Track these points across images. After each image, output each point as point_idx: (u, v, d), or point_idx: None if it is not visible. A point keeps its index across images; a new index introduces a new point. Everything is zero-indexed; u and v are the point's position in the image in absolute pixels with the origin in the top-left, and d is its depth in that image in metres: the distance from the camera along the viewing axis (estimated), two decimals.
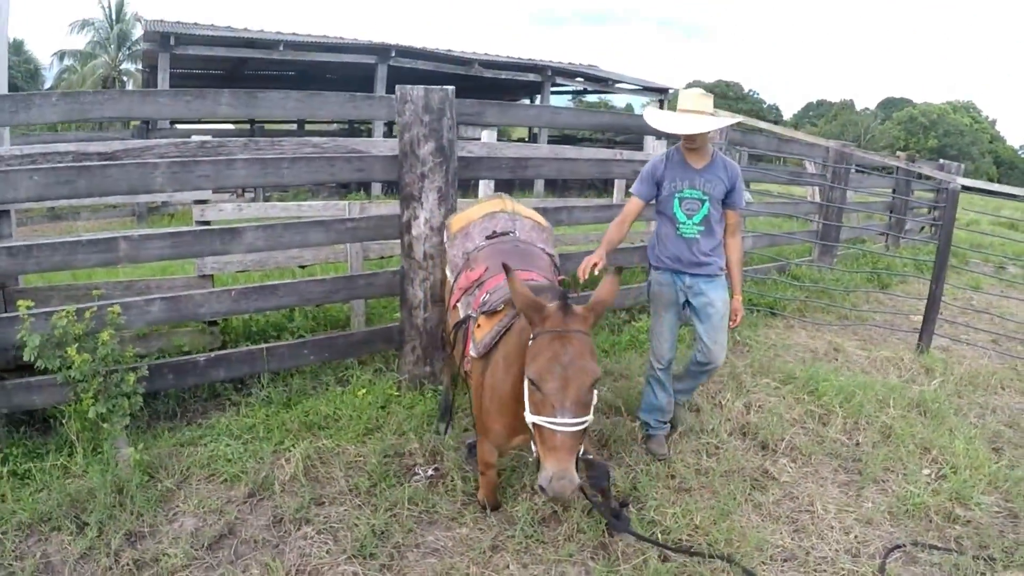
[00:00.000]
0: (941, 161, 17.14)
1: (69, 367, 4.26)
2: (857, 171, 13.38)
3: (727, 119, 4.74)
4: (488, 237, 4.67)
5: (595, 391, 3.02)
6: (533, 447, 3.16)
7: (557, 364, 2.96)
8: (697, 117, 4.62)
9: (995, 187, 9.85)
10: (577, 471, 2.98)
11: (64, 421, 4.57)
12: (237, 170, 4.99)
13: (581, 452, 2.96)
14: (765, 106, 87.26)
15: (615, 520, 3.93)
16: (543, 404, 2.97)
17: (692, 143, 4.74)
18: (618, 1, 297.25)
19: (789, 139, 10.67)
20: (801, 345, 7.74)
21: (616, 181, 10.32)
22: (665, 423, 5.23)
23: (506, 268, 3.23)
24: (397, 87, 5.28)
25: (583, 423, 2.94)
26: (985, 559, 4.11)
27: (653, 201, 4.99)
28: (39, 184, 4.41)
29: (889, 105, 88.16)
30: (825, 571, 3.93)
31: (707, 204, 4.77)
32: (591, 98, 56.58)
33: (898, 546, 4.18)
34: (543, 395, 2.97)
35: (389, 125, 22.07)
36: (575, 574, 3.79)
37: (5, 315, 4.66)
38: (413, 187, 5.31)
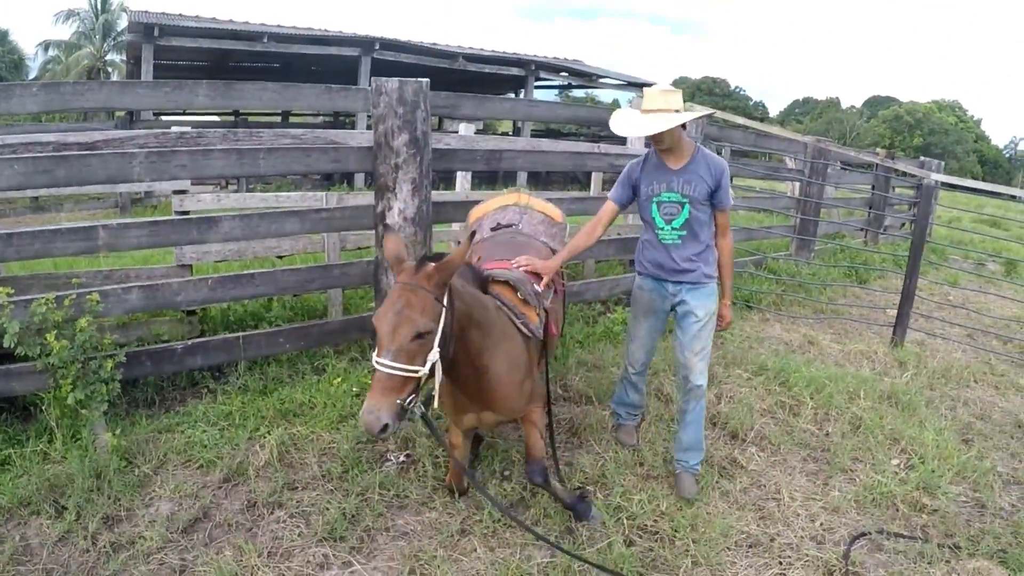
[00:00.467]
0: (922, 158, 17.26)
1: (48, 354, 4.31)
2: (842, 168, 13.50)
3: (685, 115, 4.21)
4: (493, 229, 4.89)
5: (425, 344, 3.09)
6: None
7: (390, 311, 3.08)
8: (655, 116, 4.22)
9: (970, 183, 10.01)
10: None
11: (44, 408, 4.62)
12: (214, 160, 5.04)
13: (409, 403, 3.05)
14: (751, 103, 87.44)
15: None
16: (376, 345, 3.10)
17: (660, 143, 4.37)
18: None
19: (766, 135, 10.76)
20: (775, 338, 7.83)
21: (594, 175, 10.37)
22: (635, 415, 5.23)
23: (438, 256, 3.33)
24: (372, 79, 5.35)
25: (401, 369, 3.01)
26: (950, 547, 4.20)
27: (630, 205, 4.76)
28: (19, 173, 4.45)
29: (875, 103, 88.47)
30: (790, 557, 4.02)
31: (687, 207, 4.42)
32: (577, 93, 56.65)
33: (863, 534, 4.27)
34: (377, 337, 3.11)
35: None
36: (541, 558, 3.86)
37: None
38: (387, 178, 5.36)
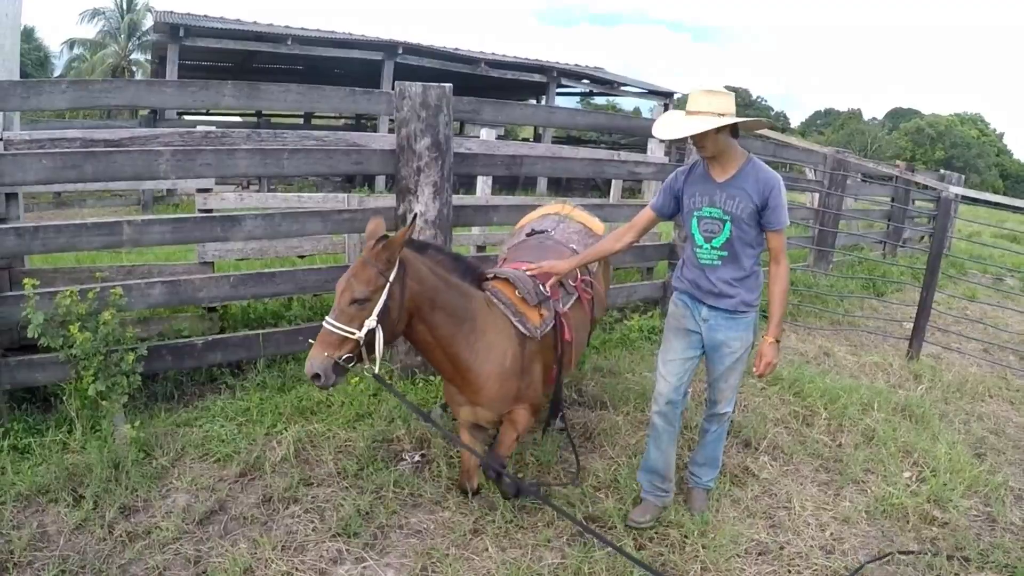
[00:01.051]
0: (942, 172, 17.21)
1: (71, 345, 4.39)
2: (862, 180, 13.47)
3: (727, 119, 3.69)
4: (528, 235, 5.07)
5: (362, 311, 3.43)
6: None
7: (343, 278, 3.50)
8: (695, 119, 3.76)
9: (991, 197, 9.97)
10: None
11: (64, 399, 4.70)
12: (238, 159, 5.11)
13: (345, 360, 3.40)
14: (772, 113, 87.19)
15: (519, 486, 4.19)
16: None
17: (704, 150, 3.87)
18: (628, 3, 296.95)
19: (786, 145, 10.75)
20: (791, 348, 7.83)
21: (613, 182, 10.41)
22: (661, 493, 4.39)
23: (421, 243, 3.75)
24: (396, 83, 5.40)
25: (338, 328, 3.38)
26: (960, 560, 4.18)
27: (675, 216, 4.37)
28: (48, 168, 4.54)
29: (897, 115, 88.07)
30: (799, 566, 4.02)
31: (728, 225, 3.92)
32: (599, 100, 56.64)
33: (879, 558, 4.19)
34: None
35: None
36: (552, 559, 3.89)
37: (11, 294, 4.79)
38: (409, 180, 5.42)
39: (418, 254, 3.76)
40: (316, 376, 3.38)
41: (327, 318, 3.43)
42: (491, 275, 4.20)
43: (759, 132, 9.44)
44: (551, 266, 4.30)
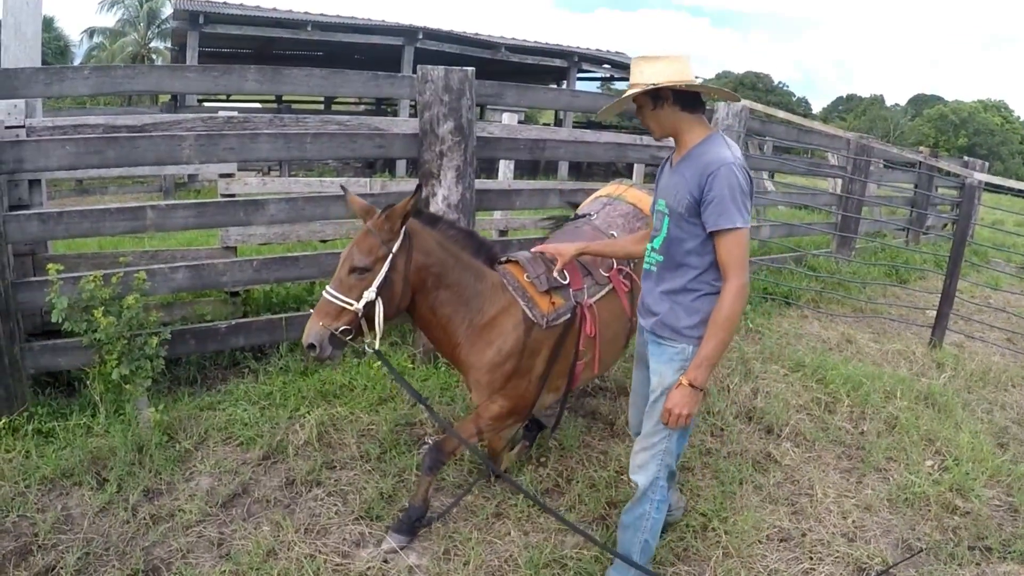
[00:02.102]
0: (966, 158, 17.05)
1: (95, 330, 4.41)
2: (885, 166, 13.37)
3: (631, 92, 3.12)
4: (571, 219, 4.82)
5: (362, 281, 3.35)
6: None
7: (346, 248, 3.44)
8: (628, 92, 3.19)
9: (1015, 184, 9.85)
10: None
11: (88, 383, 4.74)
12: (261, 144, 5.12)
13: (340, 329, 3.31)
14: (794, 99, 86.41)
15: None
16: None
17: (652, 133, 3.27)
18: None
19: (809, 130, 10.68)
20: (813, 335, 7.79)
21: (636, 166, 10.38)
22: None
23: (432, 216, 3.67)
24: (418, 67, 5.40)
25: (336, 298, 3.31)
26: (981, 550, 4.16)
27: None
28: (70, 154, 4.56)
29: (919, 102, 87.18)
30: (820, 553, 4.01)
31: (667, 221, 3.18)
32: (620, 85, 56.38)
33: (908, 557, 4.09)
34: None
35: (415, 106, 22.22)
36: (573, 543, 3.89)
37: (34, 279, 4.83)
38: (432, 165, 5.42)
39: (428, 227, 3.65)
40: (311, 346, 3.31)
41: (327, 287, 3.36)
42: (504, 258, 3.99)
43: (783, 117, 9.38)
44: (556, 249, 3.88)
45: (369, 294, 3.33)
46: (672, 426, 3.09)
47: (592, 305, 3.99)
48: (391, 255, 3.39)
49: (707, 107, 4.95)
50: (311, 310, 3.41)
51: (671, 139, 3.23)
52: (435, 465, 3.85)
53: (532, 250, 4.06)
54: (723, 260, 3.01)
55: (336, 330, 3.30)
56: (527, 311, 3.75)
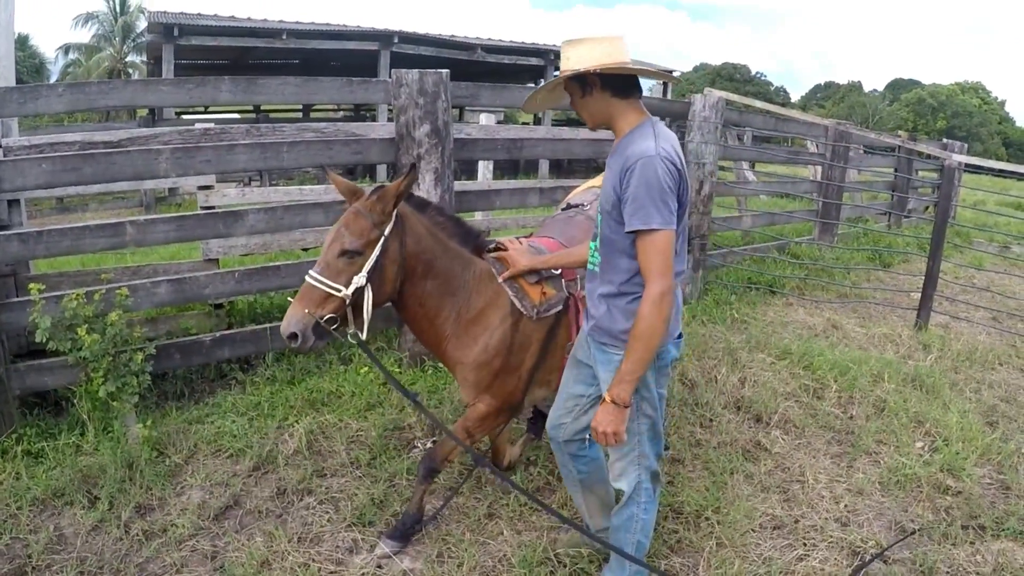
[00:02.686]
0: (945, 141, 17.14)
1: (79, 348, 4.38)
2: (865, 151, 13.44)
3: (551, 81, 3.04)
4: (563, 209, 4.56)
5: (351, 265, 3.18)
6: None
7: (332, 229, 3.25)
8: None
9: (994, 164, 9.89)
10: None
11: (75, 401, 4.72)
12: (238, 155, 5.10)
13: (327, 321, 3.13)
14: (773, 88, 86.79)
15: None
16: None
17: (586, 122, 3.10)
18: None
19: (787, 119, 10.72)
20: (799, 322, 7.82)
21: None
22: (586, 526, 3.71)
23: (421, 201, 3.51)
24: (393, 71, 5.39)
25: (322, 283, 3.11)
26: (975, 528, 4.19)
27: None
28: (47, 172, 4.54)
29: (897, 86, 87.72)
30: (814, 539, 4.02)
31: (600, 219, 3.04)
32: None
33: (902, 538, 4.08)
34: None
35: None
36: (567, 541, 3.88)
37: (16, 300, 4.80)
38: None
39: (417, 212, 3.50)
40: (293, 336, 3.08)
41: (310, 271, 3.14)
42: (493, 245, 3.79)
43: (760, 107, 9.40)
44: (512, 258, 3.67)
45: (359, 279, 3.16)
46: (602, 444, 2.92)
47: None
48: (383, 238, 3.23)
49: (684, 99, 4.85)
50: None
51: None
52: (429, 473, 3.77)
53: (494, 249, 3.80)
54: (641, 264, 2.81)
55: (321, 318, 3.10)
56: (516, 302, 3.62)
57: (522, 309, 3.62)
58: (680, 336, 3.17)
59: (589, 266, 3.16)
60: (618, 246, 2.91)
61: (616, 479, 3.20)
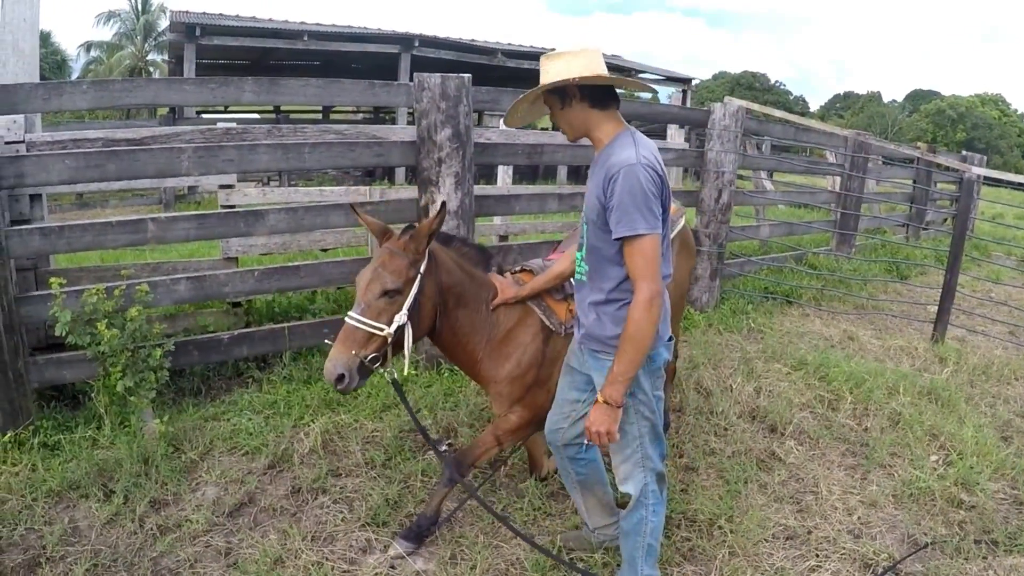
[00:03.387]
0: (964, 153, 17.08)
1: (98, 342, 4.42)
2: (883, 162, 13.39)
3: (529, 93, 3.09)
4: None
5: (392, 304, 3.26)
6: None
7: (368, 269, 3.33)
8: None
9: (1013, 177, 9.85)
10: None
11: (93, 395, 4.76)
12: (260, 155, 5.14)
13: (371, 360, 3.21)
14: (792, 97, 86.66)
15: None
16: None
17: (565, 134, 3.18)
18: None
19: (807, 129, 10.70)
20: (815, 333, 7.80)
21: None
22: (588, 530, 3.87)
23: (446, 235, 3.60)
24: (415, 75, 5.42)
25: (365, 323, 3.19)
26: (988, 543, 4.16)
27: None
28: (70, 168, 4.57)
29: (917, 97, 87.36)
30: (827, 550, 4.01)
31: (585, 228, 3.10)
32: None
33: (915, 551, 4.13)
34: None
35: (413, 114, 22.27)
36: (575, 539, 3.88)
37: (37, 293, 4.84)
38: (430, 172, 5.44)
39: (444, 247, 3.64)
40: (340, 377, 3.15)
41: (350, 313, 3.22)
42: (518, 268, 3.97)
43: (780, 116, 9.38)
44: (503, 290, 3.78)
45: (400, 318, 3.25)
46: (595, 443, 3.00)
47: None
48: (420, 276, 3.34)
49: (704, 107, 4.86)
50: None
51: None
52: (453, 479, 3.81)
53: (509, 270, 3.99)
54: (629, 269, 2.89)
55: (365, 358, 3.19)
56: (545, 320, 3.75)
57: (551, 326, 3.75)
58: (671, 339, 3.22)
59: (577, 276, 3.23)
60: (605, 254, 2.98)
61: (622, 483, 3.25)
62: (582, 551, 3.84)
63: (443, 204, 3.47)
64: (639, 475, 3.20)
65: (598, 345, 3.08)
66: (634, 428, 3.11)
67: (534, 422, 3.85)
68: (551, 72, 2.92)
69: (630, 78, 2.93)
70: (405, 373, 3.48)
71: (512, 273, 3.94)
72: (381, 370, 3.35)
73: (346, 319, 3.23)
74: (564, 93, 2.97)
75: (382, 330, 3.21)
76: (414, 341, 3.35)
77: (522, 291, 3.78)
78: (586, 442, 3.10)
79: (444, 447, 4.71)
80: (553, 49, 3.05)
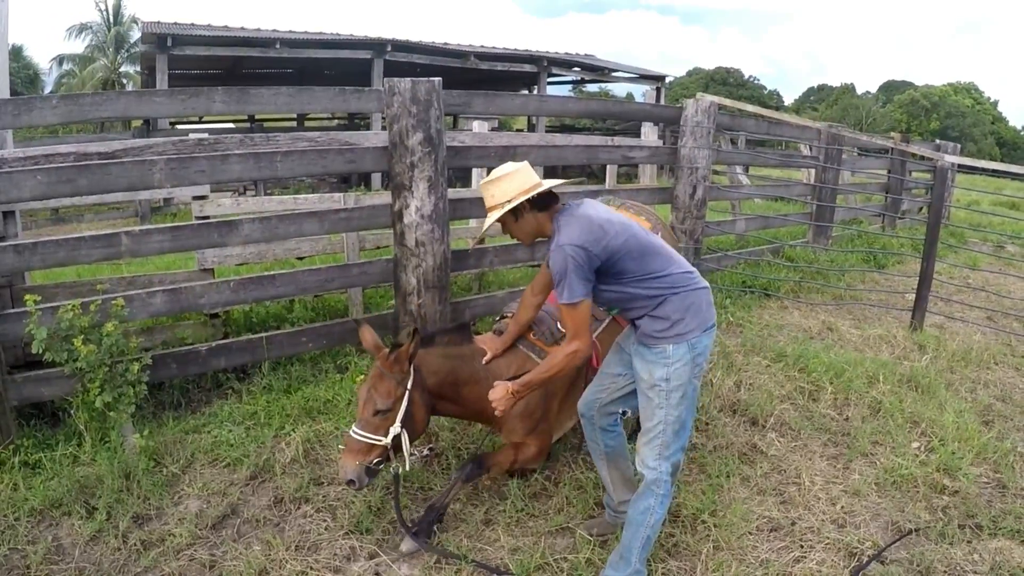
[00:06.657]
0: (937, 142, 17.20)
1: (76, 359, 4.39)
2: (858, 153, 13.47)
3: (496, 214, 3.43)
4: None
5: (386, 419, 3.66)
6: None
7: (364, 389, 3.74)
8: (489, 217, 3.52)
9: (987, 164, 9.92)
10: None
11: (72, 412, 4.72)
12: (232, 165, 5.10)
13: (376, 463, 3.66)
14: (766, 92, 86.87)
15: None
16: None
17: (521, 242, 3.65)
18: None
19: (780, 122, 10.75)
20: (794, 325, 7.84)
21: (608, 167, 10.43)
22: (611, 512, 4.06)
23: (426, 336, 3.98)
24: (385, 80, 5.40)
25: (364, 437, 3.61)
26: (972, 527, 4.20)
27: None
28: (42, 183, 4.53)
29: (890, 88, 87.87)
30: (811, 540, 4.03)
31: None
32: (591, 88, 56.50)
33: (899, 539, 4.19)
34: None
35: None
36: (564, 545, 3.91)
37: (12, 311, 4.80)
38: (403, 177, 5.42)
39: (427, 348, 3.92)
40: (351, 482, 3.59)
41: (353, 427, 3.63)
42: (500, 316, 4.40)
43: (752, 111, 9.42)
44: (489, 347, 4.15)
45: (395, 429, 3.65)
46: (491, 408, 3.66)
47: (595, 341, 4.13)
48: (407, 391, 3.71)
49: (677, 104, 4.98)
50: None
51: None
52: (472, 476, 4.05)
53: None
54: (564, 326, 3.62)
55: (370, 463, 3.62)
56: (536, 359, 4.09)
57: None
58: (713, 326, 3.48)
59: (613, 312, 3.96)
60: (609, 299, 3.47)
61: (641, 464, 3.48)
62: (604, 535, 4.00)
63: (415, 330, 3.73)
64: (654, 461, 3.43)
65: (646, 338, 3.39)
66: (661, 412, 3.38)
67: (546, 448, 4.26)
68: (498, 195, 3.42)
69: (562, 180, 3.31)
70: (407, 468, 3.88)
71: (497, 320, 4.40)
72: (388, 467, 3.87)
73: (350, 433, 3.64)
74: (515, 210, 3.41)
75: (380, 441, 3.62)
76: (411, 442, 3.77)
77: (505, 339, 4.17)
78: (619, 415, 3.71)
79: (426, 452, 4.70)
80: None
